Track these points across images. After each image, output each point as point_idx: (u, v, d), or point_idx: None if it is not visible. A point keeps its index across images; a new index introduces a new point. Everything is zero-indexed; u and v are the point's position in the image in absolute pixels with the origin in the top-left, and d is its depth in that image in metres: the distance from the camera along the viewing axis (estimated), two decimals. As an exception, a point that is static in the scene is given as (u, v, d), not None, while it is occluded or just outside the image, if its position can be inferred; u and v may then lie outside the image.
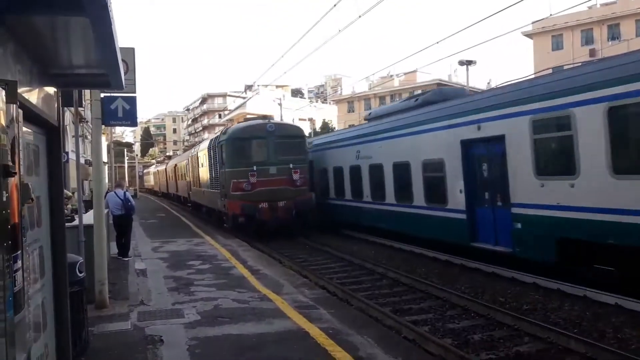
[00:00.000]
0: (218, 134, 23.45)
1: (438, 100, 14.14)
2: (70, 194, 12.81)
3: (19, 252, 2.89)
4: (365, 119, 19.34)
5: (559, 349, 7.00)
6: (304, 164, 19.53)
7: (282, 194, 18.30)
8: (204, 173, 24.23)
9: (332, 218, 21.01)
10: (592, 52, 44.92)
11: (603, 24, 47.36)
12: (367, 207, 17.54)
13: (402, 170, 15.10)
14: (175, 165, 38.32)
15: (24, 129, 3.51)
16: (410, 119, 14.86)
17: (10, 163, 2.64)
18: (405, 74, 65.62)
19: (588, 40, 48.56)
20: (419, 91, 66.05)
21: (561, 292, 9.47)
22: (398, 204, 15.51)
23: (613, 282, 8.82)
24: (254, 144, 18.94)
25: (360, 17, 14.00)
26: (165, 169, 46.28)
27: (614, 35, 46.72)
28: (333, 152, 20.63)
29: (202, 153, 24.70)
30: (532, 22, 43.14)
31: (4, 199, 2.60)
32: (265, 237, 18.01)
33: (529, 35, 52.26)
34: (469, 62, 36.44)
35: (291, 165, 18.71)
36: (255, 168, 18.32)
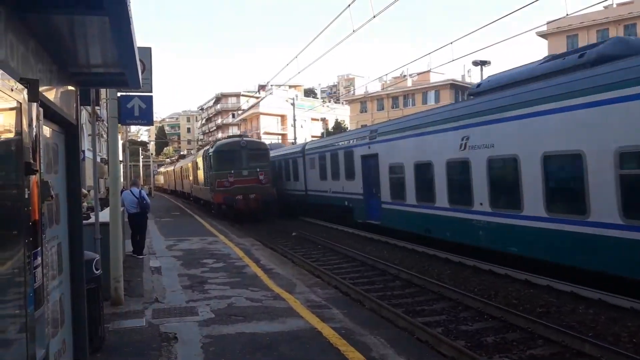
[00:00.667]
0: (208, 147, 32.69)
1: (623, 54, 9.16)
2: (86, 192, 12.94)
3: (39, 248, 2.94)
4: (470, 95, 14.37)
5: (573, 353, 6.94)
6: (267, 168, 26.38)
7: (252, 189, 25.22)
8: (200, 174, 31.92)
9: (405, 229, 16.09)
10: (609, 53, 44.32)
11: (619, 24, 46.75)
12: (483, 221, 12.18)
13: (563, 165, 10.24)
14: (181, 167, 47.39)
15: (44, 127, 3.56)
16: (580, 83, 9.45)
17: (32, 161, 2.69)
18: (418, 74, 65.42)
19: (604, 40, 47.91)
20: (433, 92, 66.12)
21: (575, 294, 9.38)
22: (553, 217, 10.07)
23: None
24: (232, 155, 26.06)
25: (374, 17, 13.96)
26: (174, 169, 55.28)
27: (630, 35, 46.12)
28: (414, 142, 15.36)
29: (199, 159, 32.58)
30: (547, 22, 42.73)
31: (26, 196, 2.64)
32: (242, 221, 23.97)
33: (543, 35, 51.75)
34: (483, 63, 36.17)
35: (258, 169, 25.73)
36: (232, 171, 25.51)
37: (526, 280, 10.60)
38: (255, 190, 25.20)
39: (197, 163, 34.00)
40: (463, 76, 69.19)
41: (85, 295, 4.95)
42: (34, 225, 2.79)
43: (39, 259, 2.94)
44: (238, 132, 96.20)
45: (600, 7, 42.28)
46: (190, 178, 38.54)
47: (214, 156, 26.78)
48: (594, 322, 8.01)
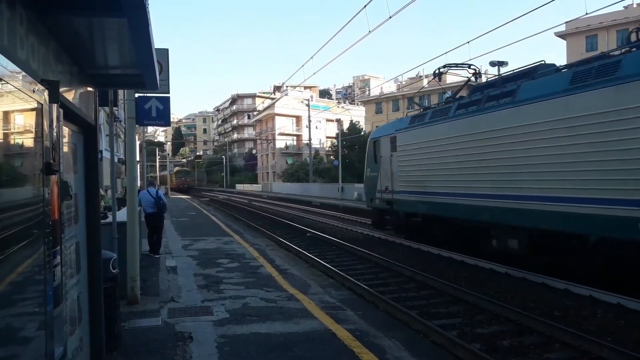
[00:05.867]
0: (173, 169, 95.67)
1: None
2: (103, 192, 13.09)
3: (58, 247, 2.98)
4: None
5: (591, 358, 6.83)
6: (192, 177, 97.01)
7: (185, 183, 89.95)
8: (174, 178, 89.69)
9: None
10: (629, 54, 43.62)
11: (640, 25, 46.03)
12: None
13: None
14: (166, 174, 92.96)
15: (64, 127, 3.61)
16: None
17: (52, 161, 2.72)
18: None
19: (624, 41, 47.08)
20: (449, 92, 65.74)
21: (594, 299, 9.25)
22: None
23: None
24: (181, 173, 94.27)
25: (390, 17, 13.93)
26: (167, 175, 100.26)
27: (652, 36, 45.32)
28: None
29: (174, 171, 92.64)
30: (566, 22, 42.22)
31: (46, 196, 2.68)
32: (187, 193, 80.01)
33: (562, 35, 51.20)
34: (500, 63, 35.79)
35: (187, 177, 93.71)
36: (180, 178, 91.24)
37: (543, 284, 10.48)
38: (187, 183, 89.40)
39: (173, 173, 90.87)
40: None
41: (103, 294, 5.00)
42: (53, 225, 2.83)
43: (58, 257, 2.98)
44: (253, 133, 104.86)
45: (620, 7, 41.72)
46: (168, 179, 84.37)
47: (175, 173, 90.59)
48: (612, 327, 7.89)
